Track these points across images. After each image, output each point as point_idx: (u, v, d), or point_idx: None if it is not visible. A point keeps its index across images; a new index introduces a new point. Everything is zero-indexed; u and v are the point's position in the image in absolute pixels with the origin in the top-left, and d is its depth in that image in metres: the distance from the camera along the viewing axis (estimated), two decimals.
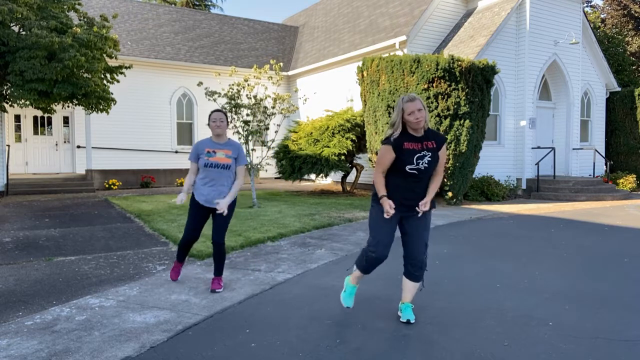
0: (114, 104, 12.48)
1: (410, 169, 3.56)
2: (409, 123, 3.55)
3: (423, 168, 3.57)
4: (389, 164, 3.61)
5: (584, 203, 12.04)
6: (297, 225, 7.99)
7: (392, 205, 3.50)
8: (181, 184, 16.57)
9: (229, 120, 4.81)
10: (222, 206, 4.39)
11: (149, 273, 5.24)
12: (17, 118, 15.46)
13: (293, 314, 3.98)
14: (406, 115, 3.52)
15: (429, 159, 3.58)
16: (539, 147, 14.00)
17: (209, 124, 4.58)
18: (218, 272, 4.68)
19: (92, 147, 15.31)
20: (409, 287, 3.82)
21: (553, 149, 13.87)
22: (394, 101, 10.94)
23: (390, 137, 3.61)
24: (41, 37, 10.03)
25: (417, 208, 3.59)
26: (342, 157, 12.41)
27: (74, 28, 10.87)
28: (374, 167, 11.95)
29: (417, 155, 3.56)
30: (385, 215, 3.52)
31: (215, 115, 4.55)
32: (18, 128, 15.52)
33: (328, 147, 12.40)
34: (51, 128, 15.93)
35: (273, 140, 11.09)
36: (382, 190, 3.61)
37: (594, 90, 16.43)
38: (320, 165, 12.29)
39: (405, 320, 3.74)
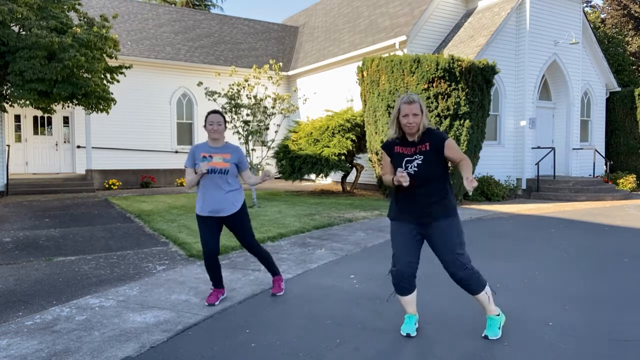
0: (114, 104, 12.49)
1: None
2: (402, 125, 3.40)
3: (412, 172, 3.36)
4: (388, 166, 3.55)
5: (584, 203, 12.04)
6: (297, 225, 7.99)
7: (401, 172, 3.21)
8: (181, 184, 16.58)
9: (227, 121, 4.41)
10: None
11: (149, 273, 5.24)
12: (17, 118, 15.46)
13: (293, 314, 3.98)
14: (401, 116, 3.39)
15: (419, 162, 3.37)
16: (539, 147, 14.00)
17: (205, 127, 4.19)
18: (272, 272, 4.51)
19: (92, 147, 15.31)
20: (477, 300, 3.51)
21: (553, 149, 13.87)
22: (394, 101, 10.94)
23: (389, 139, 3.56)
24: (41, 37, 10.03)
25: (465, 184, 3.12)
26: (342, 157, 12.41)
27: (74, 28, 10.87)
28: (374, 167, 11.99)
29: (407, 158, 3.42)
30: (400, 179, 3.20)
31: (213, 118, 4.14)
32: (18, 128, 15.51)
33: (328, 147, 12.40)
34: (51, 128, 15.93)
35: (273, 140, 11.09)
36: (388, 177, 3.48)
37: (594, 90, 16.43)
38: (320, 165, 12.29)
39: (484, 335, 3.49)
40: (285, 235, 7.25)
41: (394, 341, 3.44)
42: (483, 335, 3.48)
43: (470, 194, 3.15)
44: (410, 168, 3.39)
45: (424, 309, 4.08)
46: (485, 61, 10.97)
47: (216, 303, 4.22)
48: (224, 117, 4.25)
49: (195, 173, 4.16)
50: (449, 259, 3.35)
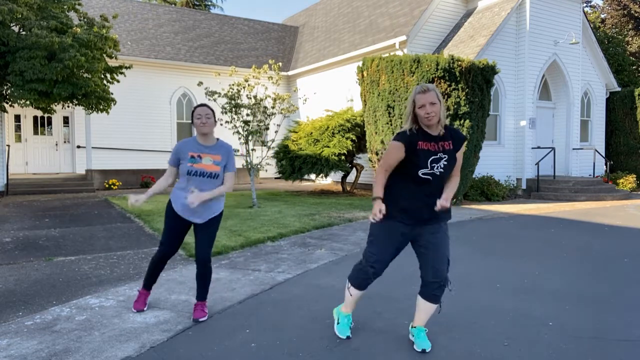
0: (114, 104, 12.49)
1: (423, 174, 3.06)
2: (419, 118, 3.07)
3: (438, 173, 3.07)
4: (394, 163, 3.14)
5: (584, 203, 12.04)
6: (297, 225, 7.99)
7: (382, 210, 3.02)
8: None
9: (216, 116, 3.99)
10: (192, 199, 3.61)
11: None
12: (17, 118, 15.46)
13: (293, 314, 3.98)
14: (417, 108, 3.06)
15: (445, 162, 3.09)
16: (539, 147, 14.00)
17: (192, 122, 3.79)
18: (201, 296, 3.91)
19: (92, 147, 15.32)
20: (425, 309, 3.28)
21: (553, 149, 13.87)
22: (394, 101, 10.94)
23: (406, 132, 3.11)
24: (41, 37, 10.03)
25: (436, 205, 3.04)
26: (342, 157, 12.41)
27: (74, 28, 10.87)
28: (374, 167, 11.97)
29: (433, 157, 3.08)
30: (371, 218, 3.06)
31: (200, 111, 3.74)
32: (18, 128, 15.52)
33: (328, 147, 12.40)
34: (51, 128, 15.93)
35: (273, 140, 11.09)
36: (378, 191, 3.11)
37: (594, 90, 16.43)
38: (320, 165, 12.29)
39: (420, 350, 3.24)
40: (285, 235, 7.25)
41: (393, 341, 3.44)
42: (420, 350, 3.24)
43: (438, 207, 3.05)
44: (437, 169, 3.08)
45: None
46: (485, 61, 10.97)
47: (144, 309, 3.97)
48: (213, 110, 3.84)
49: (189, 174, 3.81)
50: (442, 259, 3.16)
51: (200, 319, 3.81)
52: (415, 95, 3.06)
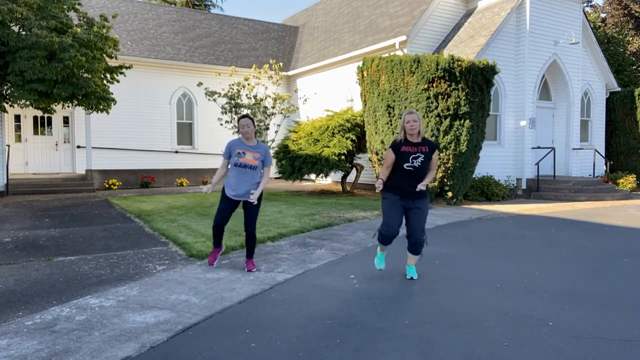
0: (114, 104, 12.48)
1: (407, 166, 4.76)
2: (406, 129, 4.81)
3: (417, 166, 4.76)
4: (390, 162, 4.83)
5: (584, 203, 12.04)
6: (297, 225, 7.99)
7: (381, 185, 4.76)
8: (181, 184, 16.58)
9: (254, 122, 5.57)
10: (253, 197, 5.15)
11: (149, 273, 5.24)
12: (17, 118, 15.45)
13: (293, 314, 3.98)
14: (405, 123, 4.80)
15: (422, 159, 4.78)
16: (539, 147, 13.99)
17: (237, 129, 5.31)
18: (250, 254, 5.41)
19: (92, 147, 15.30)
20: (411, 257, 5.00)
21: (553, 149, 13.87)
22: (394, 101, 10.94)
23: (396, 141, 4.85)
24: (41, 37, 10.02)
25: (417, 188, 4.70)
26: (342, 157, 12.41)
27: (74, 28, 10.86)
28: (374, 167, 12.02)
29: (413, 156, 4.75)
30: (377, 185, 4.78)
31: (244, 121, 5.24)
32: (18, 128, 15.51)
33: (328, 147, 12.39)
34: (51, 128, 15.92)
35: (273, 140, 11.10)
36: (382, 176, 4.87)
37: (594, 90, 16.42)
38: (320, 165, 12.28)
39: (409, 277, 4.99)
40: (285, 235, 7.25)
41: (394, 341, 3.44)
42: (409, 277, 5.00)
43: (418, 189, 4.75)
44: (416, 162, 4.76)
45: (428, 309, 4.08)
46: (485, 61, 10.97)
47: (214, 264, 5.49)
48: (253, 119, 5.32)
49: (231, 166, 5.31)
50: (418, 227, 4.80)
51: (253, 270, 5.27)
52: (405, 115, 4.82)
